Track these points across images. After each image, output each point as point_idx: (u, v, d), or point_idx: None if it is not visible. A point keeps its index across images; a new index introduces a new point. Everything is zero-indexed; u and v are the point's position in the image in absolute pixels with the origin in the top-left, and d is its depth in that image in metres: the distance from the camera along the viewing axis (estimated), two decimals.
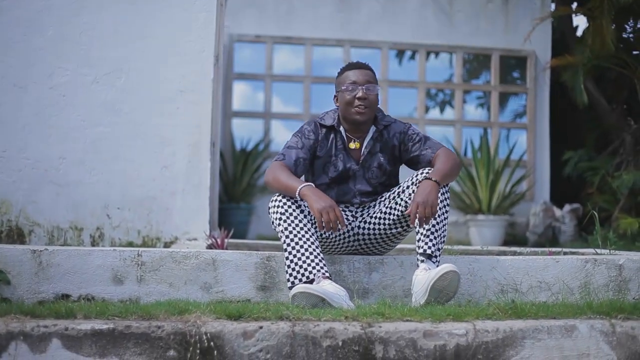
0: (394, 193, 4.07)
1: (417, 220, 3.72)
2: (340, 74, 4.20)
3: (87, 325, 3.02)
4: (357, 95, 4.05)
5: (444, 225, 3.88)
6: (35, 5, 5.73)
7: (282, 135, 11.87)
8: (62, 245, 5.51)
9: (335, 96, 4.22)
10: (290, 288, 3.68)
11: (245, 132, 11.71)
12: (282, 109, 12.03)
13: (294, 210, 3.78)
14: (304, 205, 3.82)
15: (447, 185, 3.93)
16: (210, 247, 5.16)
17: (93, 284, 3.83)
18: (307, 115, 11.46)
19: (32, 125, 5.67)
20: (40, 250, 3.83)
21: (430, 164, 4.07)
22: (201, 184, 5.77)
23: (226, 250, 4.30)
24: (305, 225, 3.77)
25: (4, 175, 5.60)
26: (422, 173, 3.92)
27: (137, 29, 5.82)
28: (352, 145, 4.17)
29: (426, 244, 3.81)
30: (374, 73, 4.18)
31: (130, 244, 5.59)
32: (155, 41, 5.83)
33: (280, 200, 3.81)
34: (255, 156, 11.15)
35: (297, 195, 3.79)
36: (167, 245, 5.64)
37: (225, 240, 5.21)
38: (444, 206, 3.89)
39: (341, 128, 4.18)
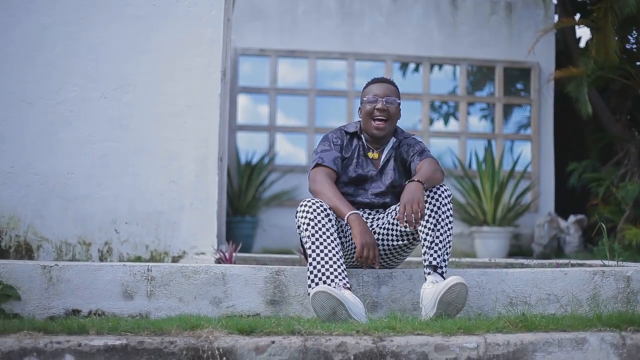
0: (399, 205, 4.10)
1: (406, 222, 3.75)
2: (365, 87, 4.38)
3: (100, 341, 3.03)
4: (377, 107, 4.22)
5: (448, 236, 3.90)
6: (42, 22, 5.75)
7: (286, 148, 11.89)
8: (70, 260, 5.52)
9: (359, 108, 4.36)
10: (309, 293, 3.68)
11: (250, 146, 11.72)
12: (286, 122, 12.04)
13: (322, 218, 3.81)
14: (332, 214, 3.87)
15: (447, 192, 3.95)
16: (218, 261, 5.17)
17: (103, 299, 3.85)
18: (312, 128, 11.48)
19: (40, 141, 5.68)
20: (51, 266, 3.84)
21: (415, 171, 4.17)
22: (209, 198, 5.78)
23: (235, 265, 4.32)
24: (332, 234, 3.81)
25: (12, 191, 5.61)
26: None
27: (144, 44, 5.83)
28: (371, 155, 4.32)
29: (431, 255, 3.84)
30: (396, 87, 4.38)
31: (139, 259, 5.60)
32: (163, 56, 5.85)
33: (309, 206, 3.84)
34: (260, 169, 11.15)
35: (344, 220, 3.91)
36: (175, 259, 5.64)
37: (234, 254, 5.22)
38: (447, 217, 3.91)
39: (362, 135, 4.35)
